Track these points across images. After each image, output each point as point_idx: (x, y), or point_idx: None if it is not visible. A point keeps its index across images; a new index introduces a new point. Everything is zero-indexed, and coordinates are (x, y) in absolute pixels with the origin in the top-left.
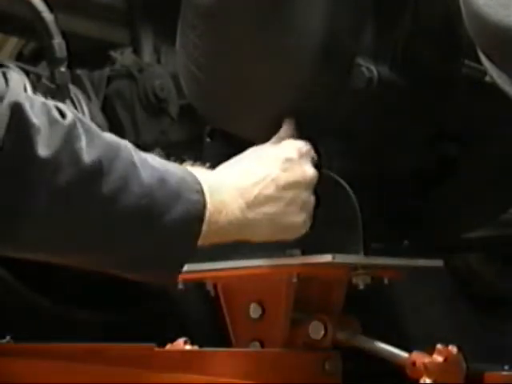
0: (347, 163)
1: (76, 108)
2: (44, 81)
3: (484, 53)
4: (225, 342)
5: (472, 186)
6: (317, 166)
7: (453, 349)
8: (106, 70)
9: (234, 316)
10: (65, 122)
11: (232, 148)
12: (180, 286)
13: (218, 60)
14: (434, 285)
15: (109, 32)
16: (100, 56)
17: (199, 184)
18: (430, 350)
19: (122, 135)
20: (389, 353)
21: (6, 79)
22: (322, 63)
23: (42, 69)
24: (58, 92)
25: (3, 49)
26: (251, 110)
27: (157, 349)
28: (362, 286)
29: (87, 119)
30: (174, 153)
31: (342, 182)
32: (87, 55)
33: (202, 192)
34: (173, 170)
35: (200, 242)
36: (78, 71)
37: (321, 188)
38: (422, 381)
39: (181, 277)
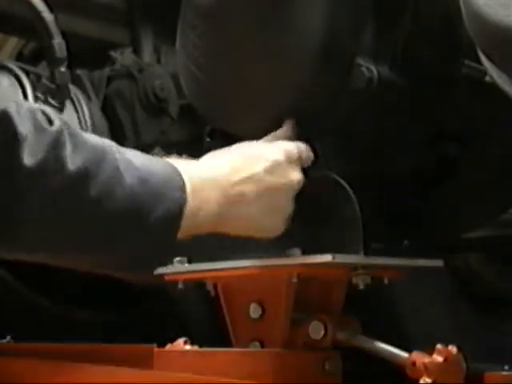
0: (347, 163)
1: (76, 108)
2: (44, 81)
3: (484, 53)
4: (225, 341)
5: (472, 185)
6: (314, 167)
7: (453, 349)
8: (106, 70)
9: (233, 316)
10: (51, 130)
11: None
12: (180, 286)
13: (218, 60)
14: (434, 285)
15: (109, 32)
16: (100, 56)
17: (182, 181)
18: (430, 350)
19: (122, 135)
20: (389, 353)
21: None
22: (322, 63)
23: (42, 69)
24: (57, 92)
25: (3, 49)
26: (251, 109)
27: (157, 349)
28: (361, 286)
29: (74, 125)
30: (174, 153)
31: (342, 182)
32: (87, 55)
33: (183, 189)
34: (156, 168)
35: (178, 236)
36: (78, 71)
37: (321, 188)
38: (421, 381)
39: (181, 277)
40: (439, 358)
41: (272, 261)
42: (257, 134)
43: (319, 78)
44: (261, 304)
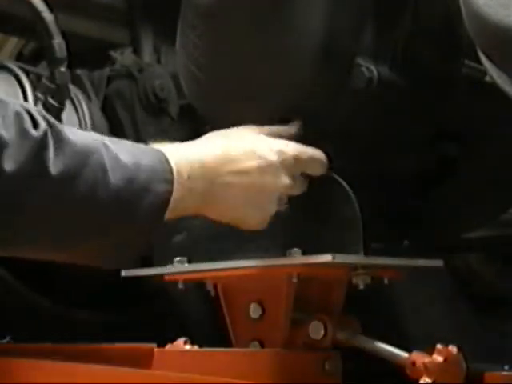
0: (347, 163)
1: (76, 108)
2: (44, 81)
3: (484, 53)
4: (225, 341)
5: (472, 185)
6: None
7: (453, 349)
8: (106, 70)
9: (234, 316)
10: (35, 134)
11: None
12: (180, 286)
13: (218, 60)
14: (434, 285)
15: (109, 32)
16: (100, 56)
17: (169, 171)
18: (430, 350)
19: (122, 135)
20: (389, 353)
21: None
22: (322, 63)
23: (42, 69)
24: (57, 92)
25: (3, 49)
26: (251, 110)
27: (157, 349)
28: (361, 286)
29: (63, 124)
30: None
31: (342, 182)
32: (87, 55)
33: (170, 180)
34: (143, 161)
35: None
36: (78, 71)
37: (321, 188)
38: (421, 381)
39: (181, 277)
40: (439, 358)
41: (272, 261)
42: None
43: (319, 78)
44: (261, 304)
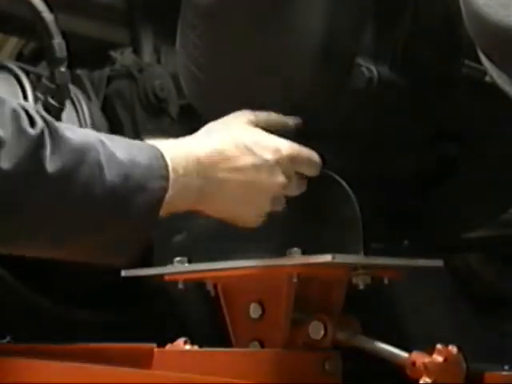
0: (347, 163)
1: (76, 108)
2: (44, 81)
3: (484, 53)
4: (225, 341)
5: (472, 185)
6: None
7: (453, 349)
8: (106, 70)
9: (234, 316)
10: (31, 132)
11: None
12: (180, 286)
13: (218, 60)
14: (434, 285)
15: (109, 32)
16: (100, 56)
17: (164, 168)
18: (430, 350)
19: (121, 135)
20: (389, 353)
21: None
22: (322, 63)
23: (42, 69)
24: (57, 92)
25: (3, 49)
26: (251, 110)
27: (157, 349)
28: (361, 286)
29: (61, 122)
30: None
31: (341, 181)
32: (87, 55)
33: (165, 177)
34: (139, 158)
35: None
36: (78, 71)
37: (321, 188)
38: (421, 381)
39: (181, 277)
40: (439, 358)
41: (272, 261)
42: None
43: (319, 78)
44: (261, 304)
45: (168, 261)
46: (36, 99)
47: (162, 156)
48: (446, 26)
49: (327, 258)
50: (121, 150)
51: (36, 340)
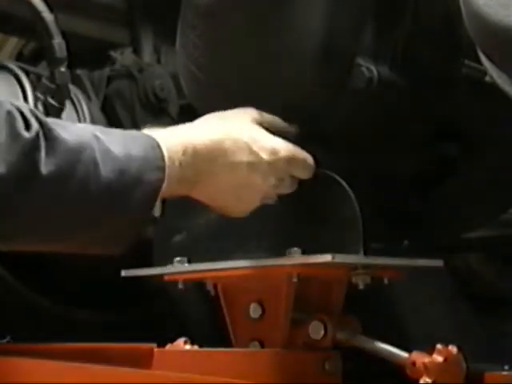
0: (347, 163)
1: (76, 108)
2: (44, 81)
3: (484, 53)
4: (225, 341)
5: (472, 185)
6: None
7: (453, 349)
8: (106, 70)
9: (234, 316)
10: (26, 135)
11: None
12: (180, 286)
13: (218, 60)
14: (434, 285)
15: (109, 32)
16: (100, 56)
17: (161, 159)
18: (430, 350)
19: None
20: (389, 353)
21: None
22: (322, 63)
23: (42, 69)
24: (57, 92)
25: (3, 49)
26: None
27: (157, 349)
28: (361, 286)
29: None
30: None
31: (341, 181)
32: (87, 55)
33: (162, 168)
34: (135, 151)
35: None
36: (78, 71)
37: (321, 188)
38: (421, 381)
39: (181, 277)
40: (439, 358)
41: (272, 261)
42: None
43: (319, 78)
44: (261, 304)
45: (168, 261)
46: (36, 99)
47: (158, 146)
48: (446, 25)
49: (327, 257)
50: (116, 144)
51: (36, 340)
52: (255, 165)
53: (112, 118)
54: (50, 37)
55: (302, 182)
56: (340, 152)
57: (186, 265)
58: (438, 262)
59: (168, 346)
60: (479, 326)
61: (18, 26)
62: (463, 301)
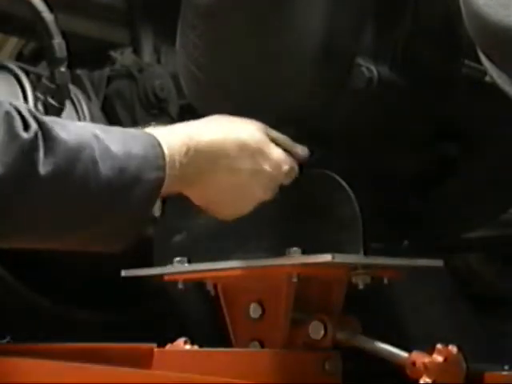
0: (347, 163)
1: (76, 108)
2: (44, 81)
3: (484, 53)
4: (225, 341)
5: (472, 185)
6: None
7: (453, 349)
8: (106, 70)
9: (234, 316)
10: (24, 136)
11: None
12: (180, 286)
13: (218, 60)
14: (434, 285)
15: (109, 32)
16: (100, 56)
17: (161, 157)
18: (430, 350)
19: None
20: (389, 353)
21: None
22: (322, 63)
23: (42, 69)
24: (57, 92)
25: (3, 49)
26: (251, 110)
27: (157, 349)
28: (361, 286)
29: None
30: None
31: (341, 181)
32: (87, 55)
33: (162, 167)
34: (135, 149)
35: None
36: (78, 71)
37: (320, 187)
38: (421, 381)
39: (181, 277)
40: (439, 358)
41: (272, 261)
42: None
43: (319, 78)
44: (261, 304)
45: (168, 261)
46: (36, 99)
47: (159, 144)
48: (446, 25)
49: (327, 257)
50: (116, 142)
51: (36, 340)
52: (257, 175)
53: (112, 118)
54: (50, 37)
55: (301, 182)
56: (340, 152)
57: (186, 265)
58: (438, 262)
59: (168, 346)
60: (479, 326)
61: (18, 26)
62: (463, 301)
